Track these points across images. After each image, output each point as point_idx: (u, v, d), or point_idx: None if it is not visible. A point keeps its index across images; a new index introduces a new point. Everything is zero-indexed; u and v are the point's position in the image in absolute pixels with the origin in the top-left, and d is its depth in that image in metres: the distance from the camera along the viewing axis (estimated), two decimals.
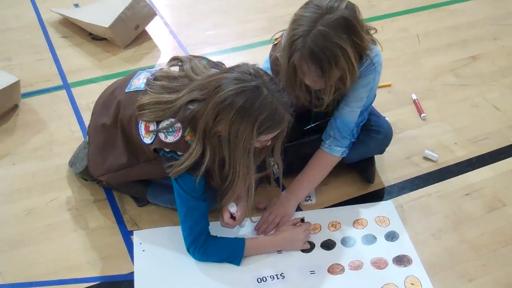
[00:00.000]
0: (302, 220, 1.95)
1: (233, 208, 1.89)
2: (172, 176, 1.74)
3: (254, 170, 1.75)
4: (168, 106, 1.71)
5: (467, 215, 2.10)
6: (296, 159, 2.07)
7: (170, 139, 1.71)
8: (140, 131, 1.78)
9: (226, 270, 1.86)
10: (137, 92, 1.82)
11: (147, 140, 1.76)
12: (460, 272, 1.90)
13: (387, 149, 2.23)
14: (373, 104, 2.02)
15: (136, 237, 1.98)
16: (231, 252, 1.86)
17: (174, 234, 1.92)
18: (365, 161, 2.18)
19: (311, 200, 2.12)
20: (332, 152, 2.01)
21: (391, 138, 2.13)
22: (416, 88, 2.70)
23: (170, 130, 1.71)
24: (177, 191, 1.78)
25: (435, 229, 2.04)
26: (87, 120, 2.13)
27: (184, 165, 1.69)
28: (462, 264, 1.92)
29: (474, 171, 2.28)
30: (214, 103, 1.62)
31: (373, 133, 2.07)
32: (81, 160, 2.10)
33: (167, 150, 1.73)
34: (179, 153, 1.72)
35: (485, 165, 2.31)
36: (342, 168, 2.18)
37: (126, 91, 1.87)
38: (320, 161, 2.05)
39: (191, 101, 1.69)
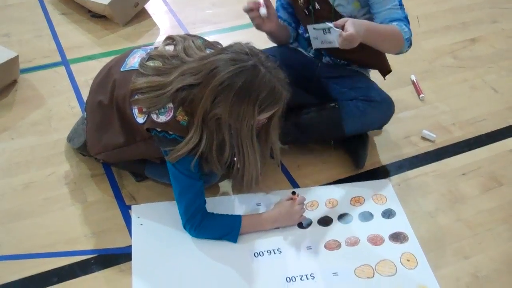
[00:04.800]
0: (293, 193, 1.95)
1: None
2: (170, 161, 1.75)
3: (258, 148, 1.75)
4: (162, 92, 1.70)
5: (464, 194, 2.11)
6: (293, 128, 2.08)
7: (162, 119, 1.71)
8: (133, 110, 1.78)
9: (223, 244, 1.87)
10: (131, 71, 1.81)
11: (140, 119, 1.76)
12: (456, 249, 1.91)
13: (386, 128, 2.25)
14: None
15: (134, 212, 1.98)
16: (227, 230, 1.87)
17: (172, 209, 1.92)
18: (358, 145, 2.18)
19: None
20: (401, 29, 1.93)
21: (393, 112, 2.15)
22: (415, 69, 2.70)
23: (162, 110, 1.71)
24: (171, 171, 1.79)
25: (431, 208, 2.05)
26: (85, 96, 2.13)
27: (182, 151, 1.70)
28: (458, 242, 1.94)
29: (471, 151, 2.29)
30: (212, 87, 1.62)
31: (376, 104, 2.08)
32: (79, 136, 2.09)
33: (158, 130, 1.73)
34: (171, 132, 1.72)
35: (482, 145, 2.32)
36: (340, 147, 2.20)
37: (121, 70, 1.87)
38: (391, 28, 1.93)
39: (186, 86, 1.68)
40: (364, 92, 2.10)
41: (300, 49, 2.25)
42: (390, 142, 2.31)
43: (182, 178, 1.78)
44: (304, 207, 1.97)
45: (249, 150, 1.71)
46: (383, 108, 2.10)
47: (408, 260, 1.86)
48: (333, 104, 2.12)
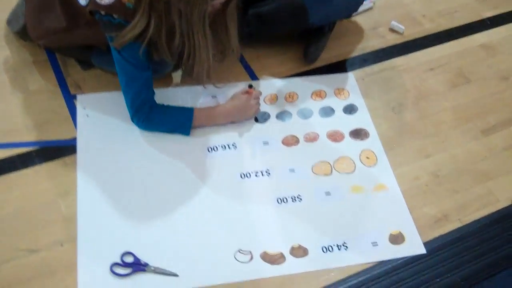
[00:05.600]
0: (250, 86, 1.84)
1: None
2: (115, 48, 1.59)
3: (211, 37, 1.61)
4: None
5: (430, 90, 2.02)
6: (255, 19, 1.94)
7: (106, 1, 1.53)
8: None
9: (174, 138, 1.77)
10: None
11: (82, 1, 1.60)
12: (417, 147, 1.85)
13: (352, 18, 2.11)
14: None
15: (79, 102, 1.85)
16: (179, 123, 1.76)
17: (121, 99, 1.77)
18: (312, 38, 2.03)
19: None
20: None
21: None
22: None
23: None
24: (116, 59, 1.64)
25: (395, 103, 1.96)
26: None
27: (127, 37, 1.54)
28: (420, 140, 1.87)
29: (441, 45, 2.18)
30: None
31: None
32: (18, 19, 1.91)
33: (102, 13, 1.56)
34: (116, 16, 1.55)
35: (453, 39, 2.21)
36: (303, 39, 2.06)
37: None
38: None
39: None
40: None
41: None
42: (356, 33, 2.18)
43: (128, 67, 1.64)
44: (260, 101, 1.86)
45: (201, 39, 1.56)
46: None
47: (368, 158, 1.79)
48: None
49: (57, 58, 1.96)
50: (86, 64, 1.95)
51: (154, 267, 1.51)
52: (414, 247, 1.61)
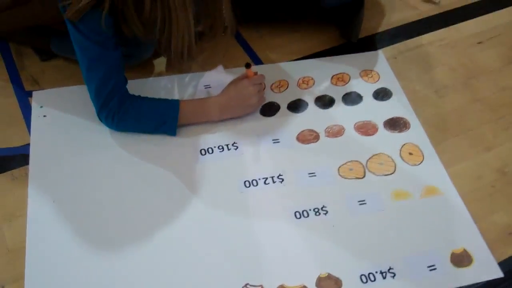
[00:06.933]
0: (247, 65, 1.42)
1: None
2: (70, 19, 1.19)
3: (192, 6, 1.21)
4: None
5: (481, 67, 1.61)
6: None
7: None
8: None
9: (155, 140, 1.37)
10: None
11: None
12: (474, 138, 1.43)
13: None
14: None
15: (35, 99, 1.46)
16: (161, 119, 1.35)
17: (86, 95, 1.37)
18: (350, 13, 1.64)
19: None
20: None
21: None
22: None
23: None
24: (74, 38, 1.24)
25: (439, 85, 1.55)
26: None
27: (83, 2, 1.15)
28: (477, 129, 1.45)
29: (488, 14, 1.78)
30: None
31: None
32: None
33: None
34: None
35: (504, 7, 1.80)
36: (320, 16, 1.68)
37: None
38: None
39: None
40: None
41: None
42: (383, 6, 1.78)
43: (90, 46, 1.23)
44: (262, 87, 1.44)
45: (177, 2, 1.16)
46: None
47: (411, 154, 1.37)
48: None
49: (11, 47, 1.59)
50: (46, 54, 1.57)
51: None
52: (486, 269, 1.18)
